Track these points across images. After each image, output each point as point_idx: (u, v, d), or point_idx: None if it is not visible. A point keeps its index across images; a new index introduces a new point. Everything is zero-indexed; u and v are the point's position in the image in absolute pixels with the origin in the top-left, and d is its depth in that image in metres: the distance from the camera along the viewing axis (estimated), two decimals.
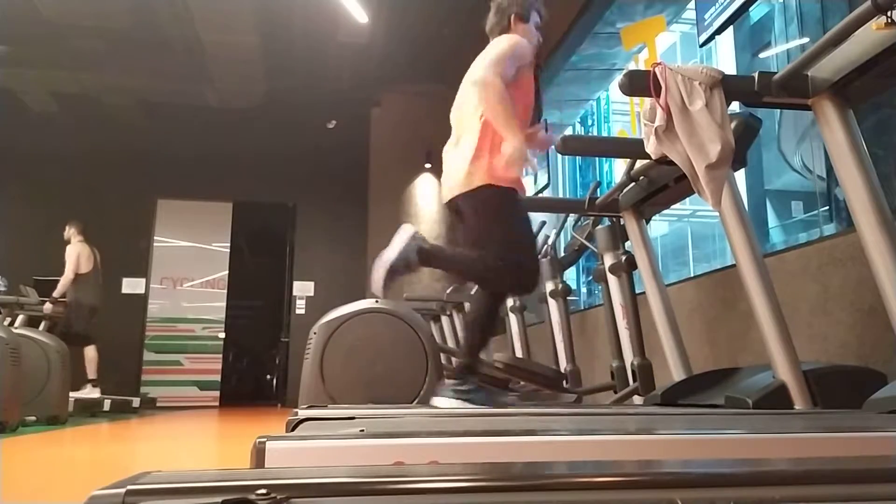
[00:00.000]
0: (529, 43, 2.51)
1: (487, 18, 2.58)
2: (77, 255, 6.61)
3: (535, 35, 2.56)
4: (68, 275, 6.54)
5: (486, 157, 2.34)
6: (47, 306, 6.44)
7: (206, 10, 6.49)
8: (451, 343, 5.88)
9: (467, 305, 5.59)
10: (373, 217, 8.80)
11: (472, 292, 2.46)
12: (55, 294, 6.49)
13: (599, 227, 3.33)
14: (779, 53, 4.07)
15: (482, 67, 2.30)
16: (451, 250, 2.56)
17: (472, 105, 2.41)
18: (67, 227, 6.77)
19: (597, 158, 5.96)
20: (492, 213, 2.35)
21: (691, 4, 4.21)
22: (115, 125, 8.72)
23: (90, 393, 6.52)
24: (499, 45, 2.37)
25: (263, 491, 0.62)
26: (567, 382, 3.82)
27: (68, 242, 6.75)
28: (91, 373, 6.59)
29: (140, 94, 8.34)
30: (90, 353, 6.60)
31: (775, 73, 1.76)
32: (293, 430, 1.35)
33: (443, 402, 2.24)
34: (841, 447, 1.18)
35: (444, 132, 2.60)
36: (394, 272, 2.31)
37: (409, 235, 2.36)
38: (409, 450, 1.08)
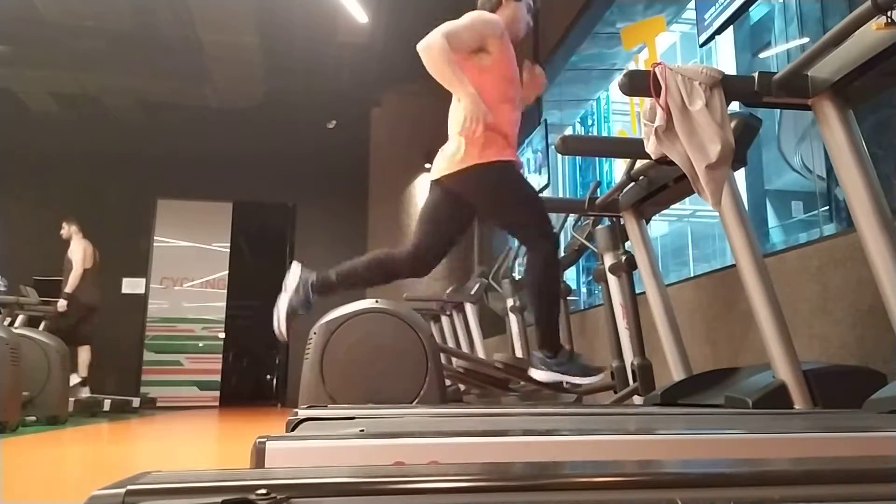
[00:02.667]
0: (517, 25, 2.52)
1: None
2: (83, 249, 6.62)
3: (526, 17, 2.58)
4: (77, 270, 6.53)
5: (472, 139, 2.35)
6: (61, 303, 6.42)
7: (206, 10, 6.49)
8: (451, 343, 5.88)
9: (468, 306, 5.60)
10: (373, 217, 8.81)
11: (526, 265, 2.49)
12: (67, 290, 6.48)
13: (599, 227, 3.32)
14: (779, 53, 4.07)
15: (427, 37, 2.31)
16: (342, 268, 2.55)
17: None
18: (65, 225, 6.77)
19: (597, 158, 5.96)
20: (492, 188, 2.40)
21: (691, 4, 4.21)
22: (115, 125, 8.73)
23: (80, 392, 6.51)
24: (455, 20, 2.38)
25: (263, 491, 0.62)
26: (567, 382, 3.81)
27: (68, 240, 6.75)
28: (82, 371, 6.59)
29: (140, 94, 8.34)
30: (84, 354, 6.60)
31: (775, 73, 1.76)
32: (293, 430, 1.35)
33: (541, 376, 2.30)
34: (841, 447, 1.18)
35: (444, 132, 2.60)
36: (293, 312, 2.44)
37: (297, 274, 2.46)
38: (409, 450, 1.08)
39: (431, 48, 2.27)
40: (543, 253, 2.39)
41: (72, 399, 5.54)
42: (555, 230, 2.51)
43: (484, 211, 2.54)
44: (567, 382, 2.67)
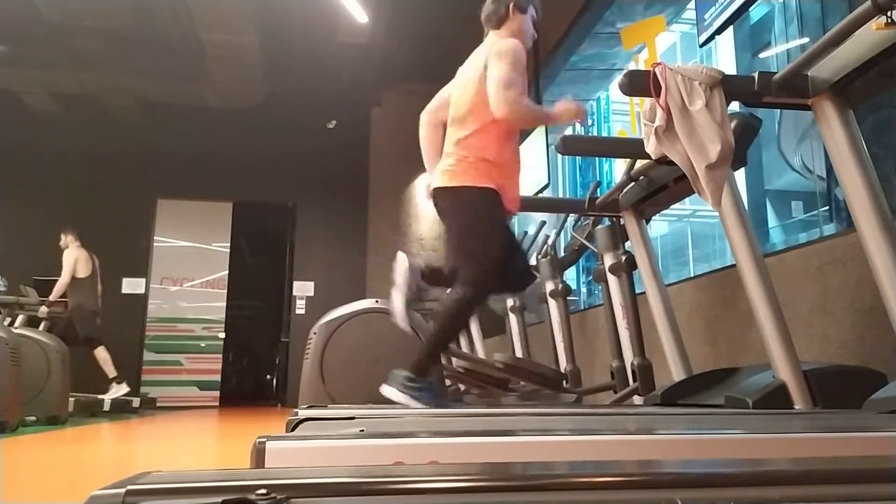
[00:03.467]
0: (525, 38, 2.52)
1: (484, 6, 2.56)
2: (74, 259, 6.63)
3: (531, 30, 2.57)
4: (64, 278, 6.56)
5: (472, 160, 2.37)
6: (42, 309, 6.47)
7: (206, 10, 6.49)
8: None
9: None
10: (373, 217, 8.81)
11: (449, 291, 2.47)
12: (51, 297, 6.52)
13: (599, 227, 3.32)
14: (779, 53, 4.07)
15: (500, 99, 2.28)
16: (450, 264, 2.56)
17: (463, 111, 2.43)
18: (63, 236, 6.78)
19: (597, 158, 5.96)
20: (465, 213, 2.39)
21: (691, 4, 4.21)
22: (115, 125, 8.72)
23: (118, 391, 6.61)
24: (501, 65, 2.33)
25: (263, 491, 0.62)
26: (567, 382, 3.82)
27: (66, 249, 6.76)
28: (110, 372, 6.65)
29: (140, 94, 8.34)
30: (101, 354, 6.64)
31: (775, 73, 1.76)
32: (293, 430, 1.35)
33: (389, 393, 2.25)
34: (841, 447, 1.18)
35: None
36: (409, 303, 2.42)
37: (406, 266, 2.43)
38: (409, 450, 1.08)
39: (518, 108, 2.31)
40: (462, 297, 2.34)
41: (72, 399, 5.54)
42: (487, 287, 2.41)
43: (448, 224, 2.52)
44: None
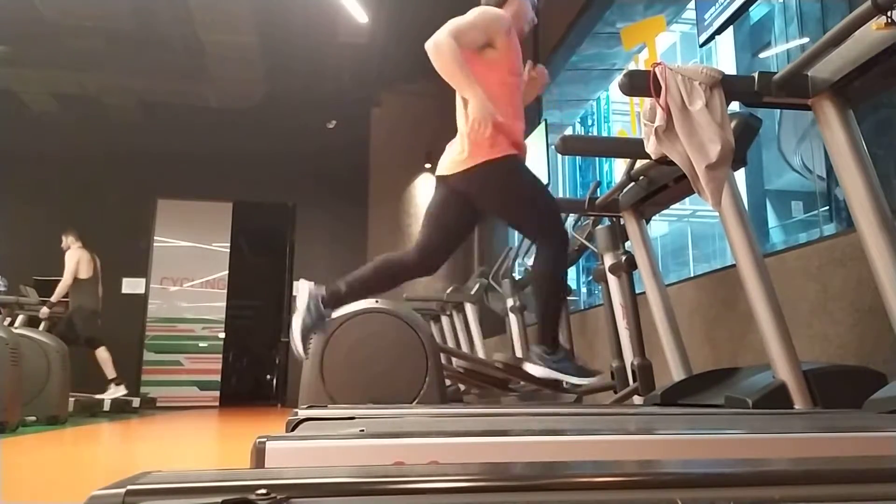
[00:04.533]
0: (523, 21, 2.52)
1: None
2: (77, 260, 6.64)
3: (530, 12, 2.57)
4: (67, 279, 6.56)
5: (479, 136, 2.34)
6: (43, 311, 6.47)
7: (206, 10, 6.49)
8: (451, 343, 5.88)
9: (468, 306, 5.60)
10: (373, 217, 8.81)
11: (533, 259, 2.49)
12: (52, 298, 6.51)
13: (599, 227, 3.32)
14: (779, 53, 4.07)
15: (435, 36, 2.29)
16: (350, 278, 2.55)
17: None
18: (64, 237, 6.79)
19: (597, 158, 5.96)
20: (499, 186, 2.39)
21: (691, 4, 4.21)
22: (115, 125, 8.73)
23: (116, 392, 6.62)
24: (462, 17, 2.36)
25: (263, 491, 0.62)
26: (567, 383, 3.81)
27: (67, 250, 6.77)
28: (109, 373, 6.65)
29: (140, 94, 8.34)
30: (102, 354, 6.66)
31: (775, 73, 1.76)
32: (293, 430, 1.35)
33: (536, 371, 2.29)
34: (841, 447, 1.18)
35: (444, 132, 2.61)
36: (308, 329, 2.45)
37: (306, 292, 2.45)
38: (409, 450, 1.08)
39: (440, 47, 2.26)
40: (549, 251, 2.39)
41: (72, 399, 5.54)
42: (563, 226, 2.49)
43: (491, 209, 2.53)
44: (564, 382, 2.66)
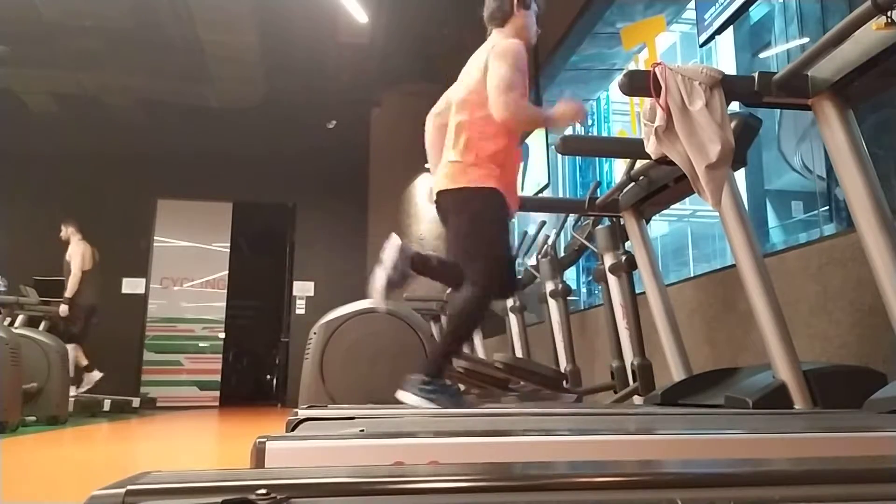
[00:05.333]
0: (528, 34, 2.51)
1: (486, 4, 2.54)
2: (82, 252, 6.62)
3: (535, 26, 2.56)
4: (77, 273, 6.53)
5: (474, 161, 2.37)
6: (62, 308, 6.40)
7: (206, 10, 6.49)
8: None
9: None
10: (373, 217, 8.80)
11: (451, 293, 2.45)
12: (67, 294, 6.47)
13: (599, 227, 3.32)
14: (779, 53, 4.07)
15: (500, 102, 2.28)
16: (439, 258, 2.56)
17: (465, 113, 2.43)
18: (64, 227, 6.76)
19: (597, 158, 5.96)
20: (471, 214, 2.38)
21: (691, 4, 4.21)
22: (115, 125, 8.72)
23: (92, 379, 6.55)
24: (502, 66, 2.33)
25: (263, 491, 0.62)
26: (567, 382, 3.82)
27: (67, 242, 6.74)
28: (82, 362, 6.59)
29: (140, 94, 8.33)
30: (75, 350, 6.58)
31: (775, 73, 1.76)
32: (293, 430, 1.35)
33: (406, 398, 2.22)
34: (841, 447, 1.18)
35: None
36: (391, 284, 2.36)
37: (397, 247, 2.39)
38: (409, 450, 1.08)
39: (517, 111, 2.31)
40: (472, 293, 2.32)
41: (72, 399, 5.54)
42: (496, 284, 2.41)
43: (453, 228, 2.49)
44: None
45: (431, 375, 2.26)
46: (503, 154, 2.39)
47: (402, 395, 2.25)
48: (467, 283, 2.34)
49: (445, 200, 2.44)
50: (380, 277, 2.36)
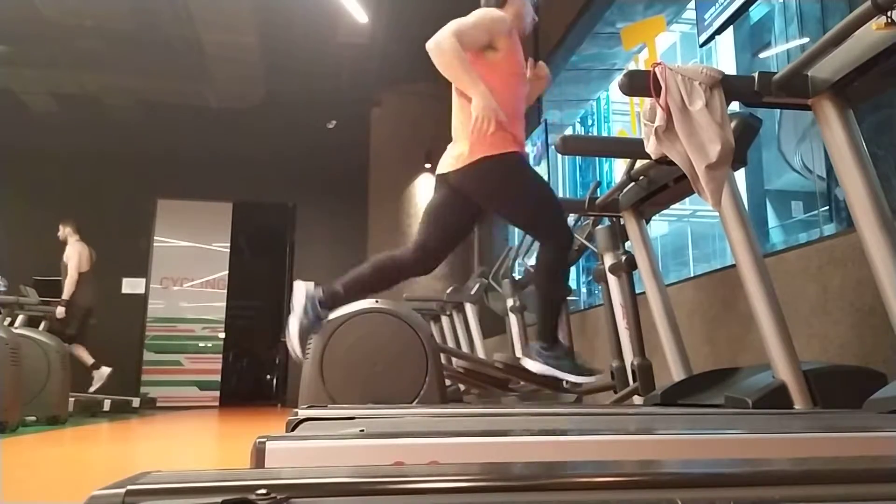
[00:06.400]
0: (523, 21, 2.52)
1: None
2: (79, 253, 6.61)
3: (531, 12, 2.57)
4: (73, 274, 6.53)
5: (479, 135, 2.33)
6: (59, 310, 6.41)
7: (206, 10, 6.49)
8: (451, 343, 5.88)
9: (468, 306, 5.59)
10: (373, 217, 8.81)
11: (536, 255, 2.47)
12: (64, 296, 6.47)
13: (599, 227, 3.32)
14: (779, 53, 4.07)
15: (437, 35, 2.30)
16: (350, 276, 2.54)
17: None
18: (62, 227, 6.75)
19: (597, 158, 5.96)
20: (499, 182, 2.38)
21: (691, 4, 4.21)
22: (115, 125, 8.73)
23: (102, 375, 6.56)
24: (464, 18, 2.37)
25: (263, 491, 0.62)
26: (567, 382, 3.81)
27: (64, 242, 6.73)
28: (88, 361, 6.61)
29: (140, 94, 8.34)
30: (77, 350, 6.59)
31: (775, 73, 1.76)
32: (293, 430, 1.35)
33: (534, 366, 2.30)
34: (841, 447, 1.18)
35: (444, 132, 2.60)
36: (305, 331, 2.43)
37: (303, 293, 2.43)
38: (409, 450, 1.08)
39: (442, 46, 2.27)
40: (553, 248, 2.38)
41: (72, 399, 5.54)
42: (567, 225, 2.48)
43: (491, 206, 2.52)
44: (565, 381, 2.64)
45: (548, 342, 2.33)
46: (506, 124, 2.35)
47: (528, 363, 2.33)
48: (546, 242, 2.39)
49: (467, 178, 2.39)
50: (293, 325, 2.41)
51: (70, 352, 5.20)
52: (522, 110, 2.53)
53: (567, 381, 3.82)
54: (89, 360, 6.65)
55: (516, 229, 5.41)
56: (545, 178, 5.84)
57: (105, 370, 6.67)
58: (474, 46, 2.36)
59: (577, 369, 2.33)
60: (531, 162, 5.84)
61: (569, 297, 4.25)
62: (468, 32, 2.33)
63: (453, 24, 2.33)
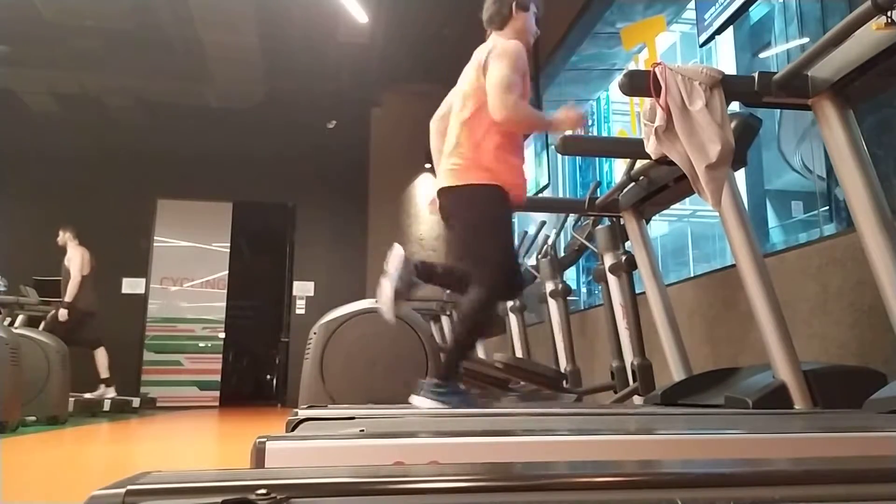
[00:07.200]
0: (528, 36, 2.51)
1: (485, 7, 2.54)
2: (81, 256, 6.60)
3: (534, 28, 2.56)
4: (76, 277, 6.50)
5: (473, 159, 2.36)
6: (62, 313, 6.38)
7: (206, 10, 6.49)
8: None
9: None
10: (373, 217, 8.81)
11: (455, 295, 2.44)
12: (67, 297, 6.44)
13: (599, 227, 3.33)
14: (779, 53, 4.07)
15: (498, 102, 2.27)
16: (444, 265, 2.55)
17: (465, 111, 2.43)
18: (62, 232, 6.74)
19: (597, 158, 5.96)
20: (474, 214, 2.37)
21: (691, 4, 4.21)
22: (115, 125, 8.72)
23: (106, 393, 6.57)
24: (501, 67, 2.32)
25: (263, 491, 0.62)
26: (567, 382, 3.82)
27: (63, 247, 6.73)
28: (103, 372, 6.61)
29: (140, 94, 8.33)
30: (100, 355, 6.61)
31: (775, 73, 1.76)
32: (293, 430, 1.35)
33: (420, 402, 2.23)
34: (841, 447, 1.18)
35: None
36: (398, 295, 2.34)
37: (401, 257, 2.38)
38: (409, 450, 1.08)
39: (517, 113, 2.30)
40: (480, 293, 2.30)
41: (72, 399, 5.53)
42: (505, 281, 2.38)
43: (457, 227, 2.50)
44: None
45: (444, 379, 2.27)
46: (504, 151, 2.37)
47: (416, 399, 2.25)
48: (474, 286, 2.33)
49: (447, 199, 2.43)
50: (386, 288, 2.34)
51: (67, 353, 5.18)
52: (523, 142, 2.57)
53: (567, 382, 3.83)
54: (105, 371, 6.65)
55: (515, 232, 5.41)
56: (545, 178, 5.84)
57: (110, 392, 6.65)
58: (520, 91, 2.35)
59: (462, 403, 2.24)
60: (531, 163, 5.86)
61: (569, 297, 4.25)
62: (519, 84, 2.34)
63: (505, 81, 2.29)
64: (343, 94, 8.23)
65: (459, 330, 2.37)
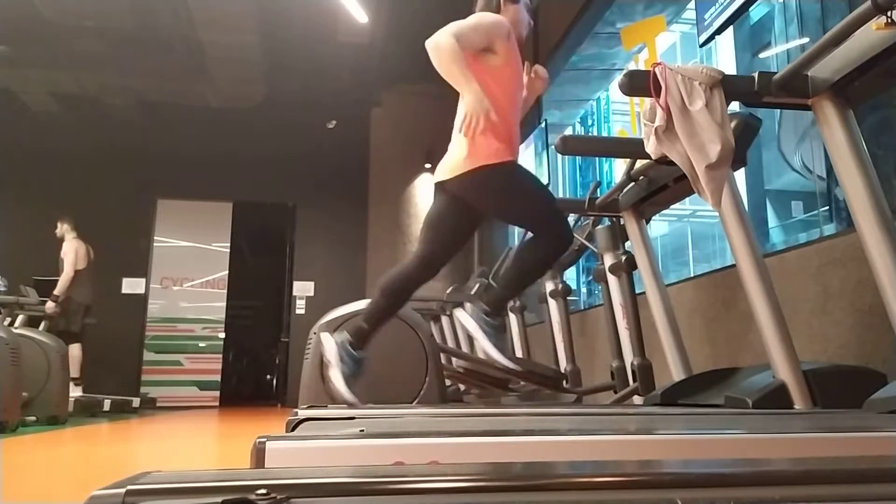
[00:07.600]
0: (519, 27, 2.52)
1: (474, 1, 2.56)
2: (76, 251, 6.59)
3: (526, 18, 2.57)
4: (69, 272, 6.50)
5: (475, 139, 2.32)
6: (49, 305, 6.38)
7: (206, 10, 6.49)
8: (451, 343, 5.88)
9: (467, 306, 5.58)
10: (373, 217, 8.81)
11: (530, 240, 2.45)
12: (56, 292, 6.44)
13: (599, 227, 3.33)
14: (779, 53, 4.07)
15: (436, 34, 2.30)
16: (366, 313, 2.52)
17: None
18: (59, 224, 6.73)
19: (597, 158, 5.96)
20: (499, 190, 2.39)
21: (691, 4, 4.21)
22: (115, 125, 8.72)
23: (72, 392, 6.48)
24: (462, 20, 2.38)
25: (263, 491, 0.62)
26: (567, 382, 3.82)
27: (61, 239, 6.71)
28: (74, 371, 6.53)
29: (140, 94, 8.34)
30: (74, 351, 6.53)
31: (775, 73, 1.76)
32: (293, 430, 1.35)
33: (463, 317, 2.38)
34: (841, 447, 1.18)
35: (444, 132, 2.60)
36: (349, 377, 2.40)
37: (332, 343, 2.42)
38: (409, 450, 1.08)
39: (440, 46, 2.27)
40: (545, 248, 2.39)
41: (72, 399, 5.54)
42: (564, 222, 2.49)
43: (493, 213, 2.55)
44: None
45: (493, 310, 2.38)
46: (500, 117, 2.33)
47: (460, 313, 2.39)
48: (543, 236, 2.40)
49: (462, 186, 2.40)
50: (336, 378, 2.38)
51: (67, 353, 5.16)
52: (519, 117, 2.53)
53: (567, 382, 3.83)
54: (76, 370, 6.52)
55: (516, 229, 5.41)
56: (545, 178, 5.84)
57: (77, 391, 6.49)
58: (472, 48, 2.36)
59: (498, 339, 2.38)
60: (530, 161, 5.86)
61: (569, 297, 4.25)
62: (467, 34, 2.34)
63: (453, 26, 2.34)
64: (343, 94, 8.24)
65: (522, 270, 2.44)
